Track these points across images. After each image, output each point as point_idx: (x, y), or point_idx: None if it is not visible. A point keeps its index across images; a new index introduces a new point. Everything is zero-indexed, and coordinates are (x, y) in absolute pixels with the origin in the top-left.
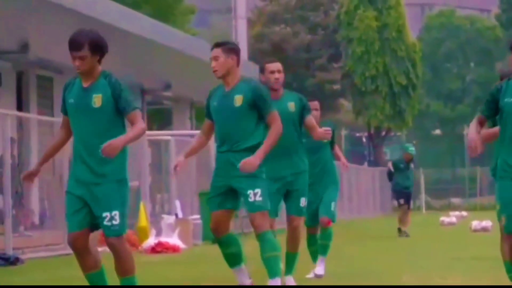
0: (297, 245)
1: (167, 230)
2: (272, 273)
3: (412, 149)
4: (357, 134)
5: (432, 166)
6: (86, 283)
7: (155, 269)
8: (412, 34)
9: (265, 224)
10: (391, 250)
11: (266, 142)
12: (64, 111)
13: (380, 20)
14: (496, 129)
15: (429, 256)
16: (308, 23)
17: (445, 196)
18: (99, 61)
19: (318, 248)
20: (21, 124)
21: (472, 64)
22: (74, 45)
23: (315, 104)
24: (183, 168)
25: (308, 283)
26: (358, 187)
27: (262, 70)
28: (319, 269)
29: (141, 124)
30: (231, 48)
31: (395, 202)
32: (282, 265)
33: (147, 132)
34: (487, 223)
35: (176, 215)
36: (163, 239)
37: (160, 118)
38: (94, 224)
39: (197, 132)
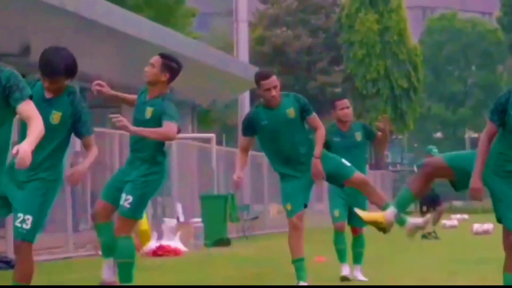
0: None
1: (169, 233)
2: (123, 279)
3: (435, 151)
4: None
5: None
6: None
7: (156, 272)
8: (413, 37)
9: (126, 230)
10: (392, 253)
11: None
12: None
13: (381, 23)
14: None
15: (431, 258)
16: (309, 26)
17: (446, 199)
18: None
19: (353, 256)
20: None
21: (473, 67)
22: (48, 72)
23: (344, 102)
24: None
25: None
26: None
27: (257, 84)
28: (358, 274)
29: (95, 148)
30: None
31: (424, 208)
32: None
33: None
34: (488, 226)
35: (178, 218)
36: (165, 242)
37: None
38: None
39: (198, 135)
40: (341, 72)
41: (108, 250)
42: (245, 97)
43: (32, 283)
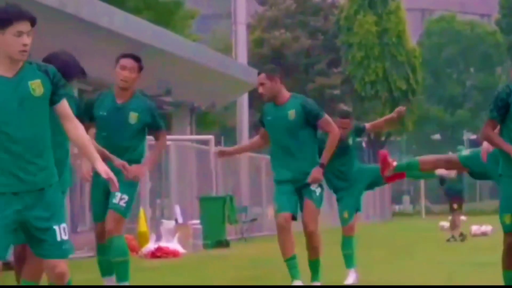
0: (314, 251)
1: (167, 235)
2: (121, 278)
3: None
4: (357, 139)
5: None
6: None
7: (154, 274)
8: (412, 39)
9: (120, 229)
10: (391, 256)
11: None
12: None
13: (380, 25)
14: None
15: (429, 261)
16: (308, 28)
17: (445, 201)
18: None
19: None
20: None
21: (472, 69)
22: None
23: (345, 122)
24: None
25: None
26: None
27: None
28: (349, 279)
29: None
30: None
31: (453, 206)
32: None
33: (147, 137)
34: (486, 227)
35: (176, 220)
36: (163, 244)
37: None
38: None
39: (197, 137)
40: (340, 74)
41: (109, 269)
42: (244, 99)
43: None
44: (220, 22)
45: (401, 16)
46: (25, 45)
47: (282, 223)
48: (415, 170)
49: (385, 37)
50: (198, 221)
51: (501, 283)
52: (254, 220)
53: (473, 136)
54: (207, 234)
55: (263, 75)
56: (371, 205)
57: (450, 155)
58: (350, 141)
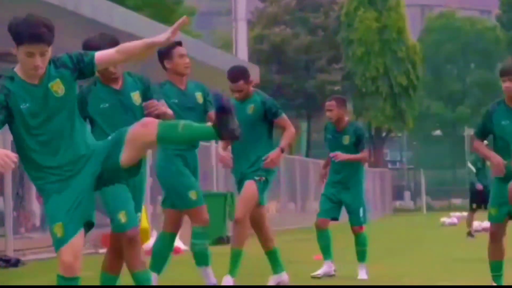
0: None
1: None
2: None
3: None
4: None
5: (432, 167)
6: (86, 284)
7: None
8: (412, 35)
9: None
10: (392, 252)
11: None
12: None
13: (380, 21)
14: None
15: (431, 257)
16: (308, 24)
17: (445, 197)
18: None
19: (357, 255)
20: None
21: (472, 66)
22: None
23: (327, 105)
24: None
25: (306, 284)
26: None
27: None
28: (362, 273)
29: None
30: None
31: (474, 205)
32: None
33: None
34: (487, 224)
35: None
36: None
37: None
38: None
39: None
40: (340, 70)
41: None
42: None
43: (33, 282)
44: (220, 19)
45: (401, 12)
46: (36, 66)
47: (237, 216)
48: None
49: (385, 33)
50: None
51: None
52: None
53: None
54: (208, 230)
55: (241, 81)
56: (372, 201)
57: None
58: (346, 140)
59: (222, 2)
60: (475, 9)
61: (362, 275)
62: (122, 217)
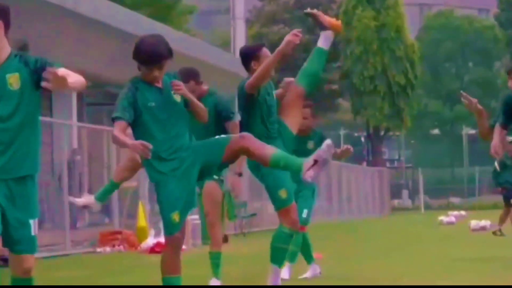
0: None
1: None
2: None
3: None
4: (356, 134)
5: (430, 166)
6: (86, 284)
7: (154, 269)
8: (410, 34)
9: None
10: (390, 251)
11: None
12: None
13: (378, 20)
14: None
15: (429, 256)
16: (306, 23)
17: (443, 196)
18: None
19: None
20: None
21: (470, 64)
22: (157, 60)
23: (305, 112)
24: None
25: (305, 284)
26: (356, 187)
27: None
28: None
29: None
30: None
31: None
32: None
33: None
34: (486, 222)
35: None
36: (162, 239)
37: None
38: None
39: None
40: (339, 69)
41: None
42: None
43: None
44: (218, 17)
45: (400, 11)
46: None
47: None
48: None
49: (383, 32)
50: (197, 217)
51: (501, 278)
52: (253, 215)
53: (472, 131)
54: (206, 229)
55: (192, 82)
56: (370, 200)
57: None
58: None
59: (221, 1)
60: (474, 8)
61: (284, 275)
62: (175, 217)
